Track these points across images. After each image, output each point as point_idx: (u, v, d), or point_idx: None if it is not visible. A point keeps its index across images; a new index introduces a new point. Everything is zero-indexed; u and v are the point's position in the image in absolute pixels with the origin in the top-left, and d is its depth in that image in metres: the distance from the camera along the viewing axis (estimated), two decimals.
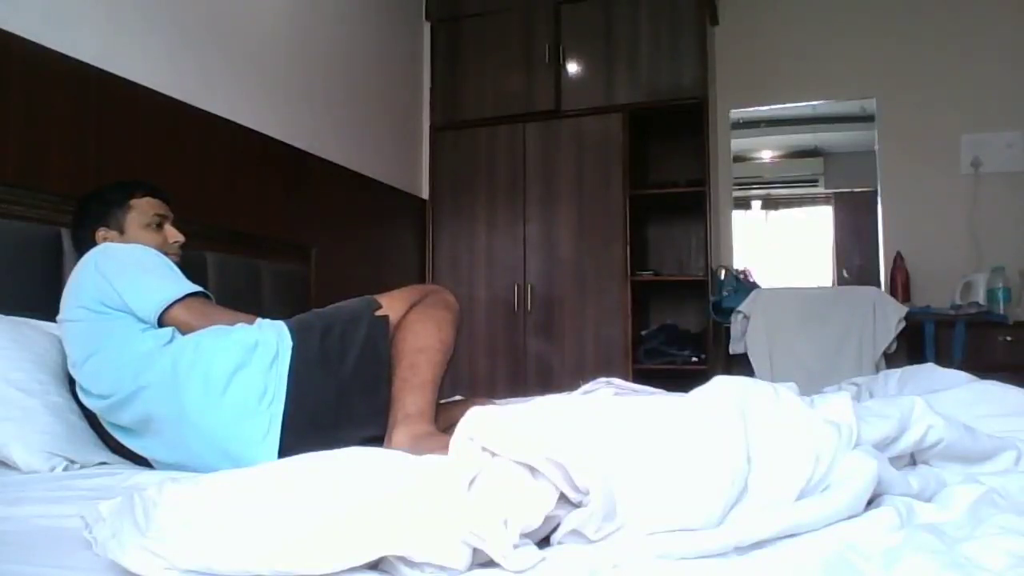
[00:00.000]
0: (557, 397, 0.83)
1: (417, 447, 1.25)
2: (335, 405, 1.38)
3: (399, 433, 1.34)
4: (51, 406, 1.42)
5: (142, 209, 1.65)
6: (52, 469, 1.33)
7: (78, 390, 1.47)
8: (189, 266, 1.70)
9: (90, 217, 1.64)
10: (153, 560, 0.69)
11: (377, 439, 1.37)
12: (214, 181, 2.43)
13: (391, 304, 1.50)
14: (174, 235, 1.68)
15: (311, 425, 1.36)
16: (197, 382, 1.36)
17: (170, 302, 1.44)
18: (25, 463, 1.31)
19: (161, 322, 1.45)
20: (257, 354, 1.38)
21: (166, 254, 1.60)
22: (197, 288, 1.49)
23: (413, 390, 1.39)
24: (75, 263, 1.78)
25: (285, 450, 1.31)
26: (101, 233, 1.63)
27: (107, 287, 1.44)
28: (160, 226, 1.67)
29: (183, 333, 1.44)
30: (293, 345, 1.40)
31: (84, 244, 1.63)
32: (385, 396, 1.41)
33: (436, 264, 3.81)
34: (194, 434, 1.36)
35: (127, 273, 1.46)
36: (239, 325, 1.45)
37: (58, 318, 1.51)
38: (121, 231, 1.63)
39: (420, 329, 1.46)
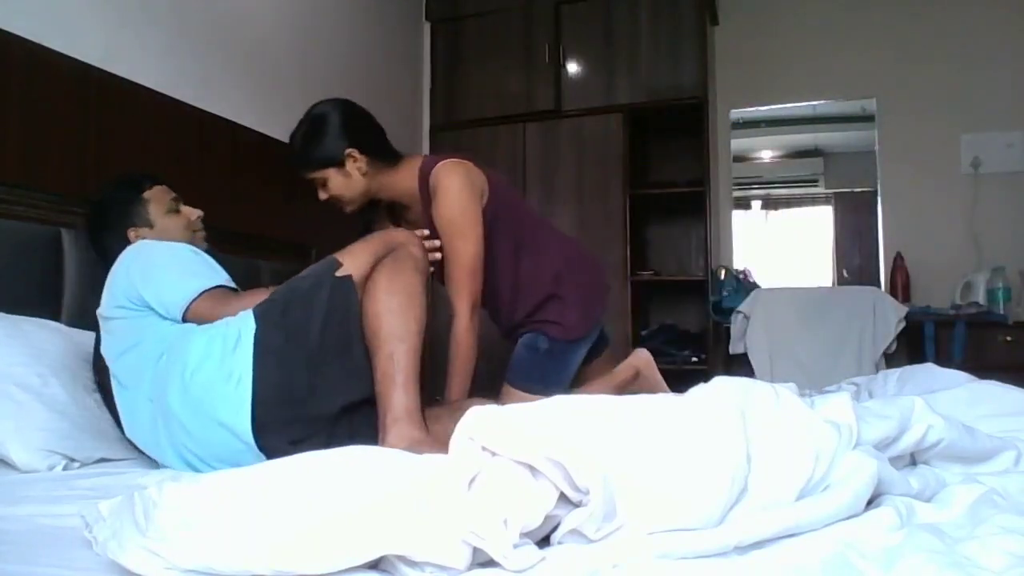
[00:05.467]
0: (557, 397, 0.83)
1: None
2: (307, 374, 1.36)
3: (392, 438, 1.32)
4: (50, 402, 1.42)
5: (157, 198, 1.68)
6: (51, 468, 1.33)
7: (114, 383, 1.47)
8: None
9: (114, 222, 1.66)
10: (153, 560, 0.69)
11: (358, 403, 1.37)
12: (214, 181, 2.43)
13: (353, 260, 1.43)
14: (193, 212, 1.72)
15: (284, 400, 1.35)
16: (176, 377, 1.37)
17: (190, 300, 1.45)
18: (24, 462, 1.31)
19: (186, 320, 1.46)
20: (218, 342, 1.38)
21: (194, 232, 1.68)
22: (216, 282, 1.49)
23: (398, 388, 1.35)
24: (75, 264, 1.80)
25: (260, 424, 1.31)
26: (132, 232, 1.64)
27: (132, 288, 1.46)
28: (178, 210, 1.70)
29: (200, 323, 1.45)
30: (256, 326, 1.38)
31: (116, 246, 1.62)
32: (359, 355, 1.39)
33: None
34: (179, 428, 1.36)
35: (151, 274, 1.47)
36: (224, 320, 1.43)
37: (98, 312, 1.51)
38: (151, 225, 1.65)
39: (394, 305, 1.39)
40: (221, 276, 1.51)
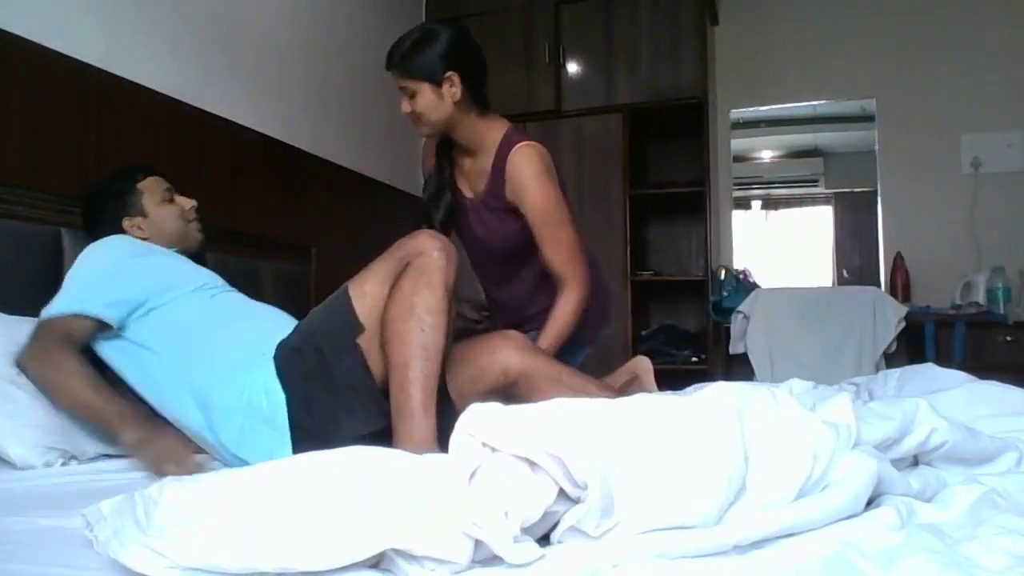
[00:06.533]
0: (557, 398, 0.83)
1: None
2: (334, 420, 1.39)
3: None
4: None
5: (151, 189, 1.70)
6: (48, 465, 1.33)
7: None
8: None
9: (110, 213, 1.67)
10: (155, 559, 0.69)
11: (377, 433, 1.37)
12: (214, 181, 2.43)
13: (374, 291, 1.41)
14: (187, 202, 1.74)
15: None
16: (225, 437, 1.40)
17: (49, 315, 1.43)
18: (22, 459, 1.31)
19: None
20: (255, 424, 1.38)
21: (188, 222, 1.72)
22: (75, 309, 1.45)
23: (408, 418, 1.32)
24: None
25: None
26: (127, 222, 1.66)
27: None
28: (172, 200, 1.72)
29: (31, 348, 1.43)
30: (285, 398, 1.38)
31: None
32: (380, 407, 1.40)
33: None
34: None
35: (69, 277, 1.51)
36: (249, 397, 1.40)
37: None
38: (144, 214, 1.67)
39: (405, 330, 1.34)
40: (103, 299, 1.47)
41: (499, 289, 2.06)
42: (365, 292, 1.43)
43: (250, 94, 2.65)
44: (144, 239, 1.66)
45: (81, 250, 1.77)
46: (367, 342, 1.40)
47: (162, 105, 2.23)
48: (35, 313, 1.62)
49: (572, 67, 3.64)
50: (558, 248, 1.86)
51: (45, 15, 1.89)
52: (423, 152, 2.09)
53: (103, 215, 1.67)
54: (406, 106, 1.82)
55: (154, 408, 1.47)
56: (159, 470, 1.22)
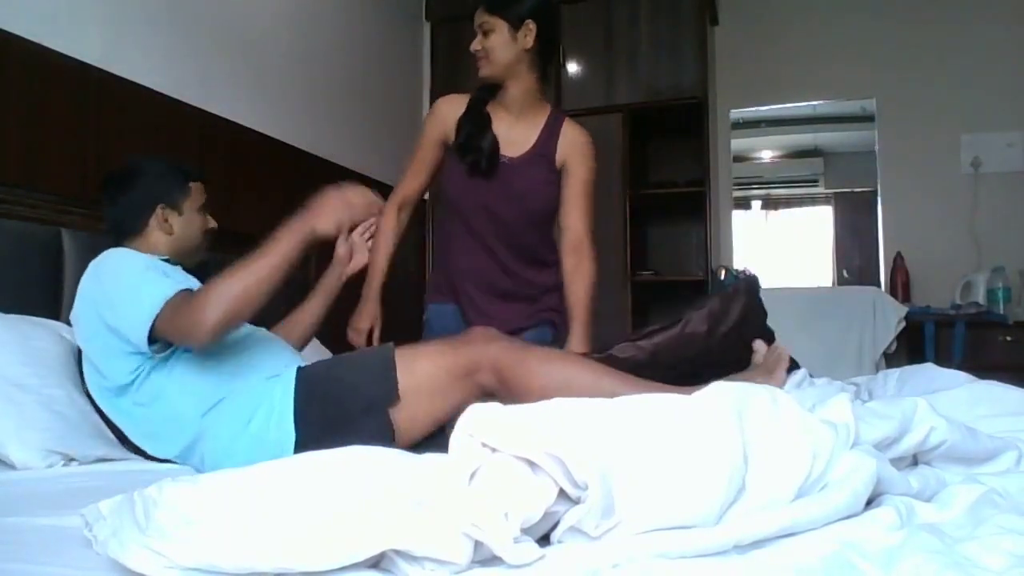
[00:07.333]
0: (555, 399, 0.83)
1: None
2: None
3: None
4: (49, 402, 1.41)
5: (197, 194, 1.68)
6: (50, 467, 1.33)
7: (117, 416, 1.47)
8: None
9: (149, 190, 1.60)
10: (154, 558, 0.69)
11: None
12: (214, 181, 2.42)
13: (426, 370, 1.38)
14: (212, 222, 1.73)
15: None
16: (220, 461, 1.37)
17: (151, 318, 1.35)
18: (22, 461, 1.31)
19: (154, 340, 1.37)
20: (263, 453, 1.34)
21: (204, 240, 1.69)
22: (170, 292, 1.38)
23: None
24: (75, 264, 1.78)
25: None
26: (160, 209, 1.59)
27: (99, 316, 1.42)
28: (204, 214, 1.70)
29: (177, 343, 1.38)
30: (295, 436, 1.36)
31: (138, 214, 1.59)
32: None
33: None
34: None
35: (121, 295, 1.42)
36: (260, 419, 1.38)
37: (78, 343, 1.49)
38: (180, 212, 1.63)
39: (547, 383, 1.30)
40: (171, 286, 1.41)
41: (490, 258, 2.02)
42: (415, 369, 1.38)
43: (250, 94, 2.65)
44: (168, 234, 1.61)
45: (81, 250, 1.77)
46: (398, 413, 1.36)
47: (162, 105, 2.23)
48: (35, 313, 1.62)
49: (572, 67, 3.64)
50: (591, 216, 2.00)
51: (45, 15, 1.89)
52: (439, 108, 2.04)
53: (138, 189, 1.60)
54: (477, 44, 1.90)
55: (145, 451, 1.46)
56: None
